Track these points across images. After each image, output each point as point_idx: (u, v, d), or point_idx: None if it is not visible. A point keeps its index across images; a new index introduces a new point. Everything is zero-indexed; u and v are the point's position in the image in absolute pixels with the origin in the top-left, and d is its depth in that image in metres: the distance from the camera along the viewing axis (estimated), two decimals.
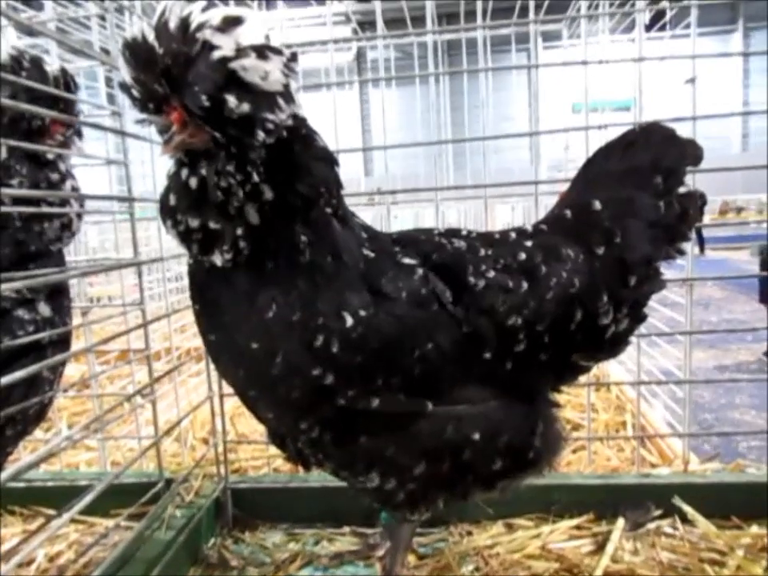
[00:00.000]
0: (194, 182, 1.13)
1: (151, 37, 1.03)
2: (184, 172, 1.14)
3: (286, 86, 1.09)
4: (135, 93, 1.07)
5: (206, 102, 1.01)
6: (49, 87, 1.49)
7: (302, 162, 1.17)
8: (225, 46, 1.01)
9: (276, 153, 1.12)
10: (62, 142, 1.62)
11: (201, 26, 1.02)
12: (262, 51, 1.04)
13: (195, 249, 1.17)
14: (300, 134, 1.17)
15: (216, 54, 1.01)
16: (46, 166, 1.58)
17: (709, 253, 15.95)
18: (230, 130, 1.06)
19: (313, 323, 1.16)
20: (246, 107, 1.04)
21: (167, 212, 1.17)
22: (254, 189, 1.12)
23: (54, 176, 1.58)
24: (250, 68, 1.02)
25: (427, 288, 1.25)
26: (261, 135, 1.08)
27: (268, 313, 1.16)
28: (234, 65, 1.02)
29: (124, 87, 1.08)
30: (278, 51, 1.07)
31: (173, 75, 1.02)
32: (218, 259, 1.17)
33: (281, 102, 1.08)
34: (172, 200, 1.16)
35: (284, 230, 1.18)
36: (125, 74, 1.06)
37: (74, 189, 1.63)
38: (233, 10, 1.05)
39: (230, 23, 1.03)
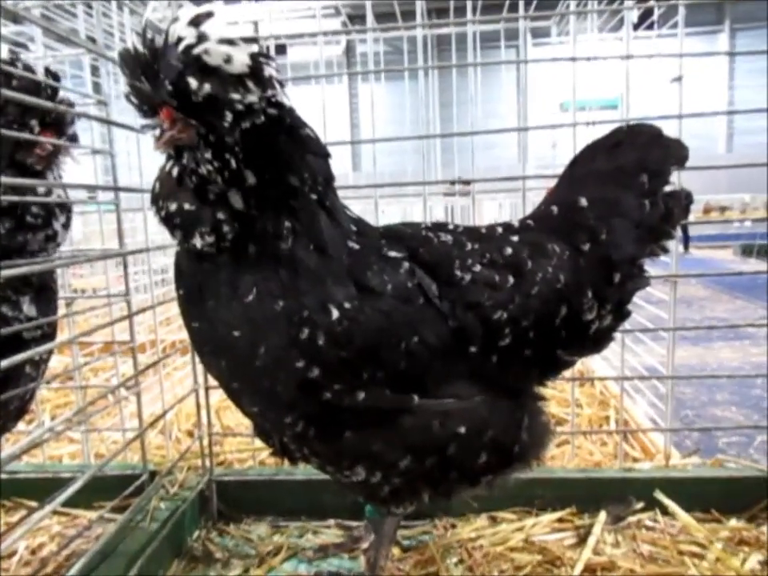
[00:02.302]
0: (175, 171, 1.19)
1: (138, 43, 1.09)
2: (169, 164, 1.21)
3: (254, 69, 1.10)
4: (134, 99, 1.14)
5: (170, 86, 1.07)
6: (41, 98, 1.45)
7: (286, 151, 1.18)
8: (189, 35, 1.06)
9: (257, 140, 1.14)
10: (51, 152, 1.58)
11: (176, 23, 1.08)
12: (228, 38, 1.08)
13: (178, 234, 1.21)
14: (285, 124, 1.18)
15: (181, 44, 1.06)
16: (34, 176, 1.54)
17: (692, 252, 16.11)
18: (200, 114, 1.10)
19: (297, 316, 1.16)
20: (207, 87, 1.07)
21: (153, 199, 1.24)
22: (234, 174, 1.15)
23: (41, 187, 1.55)
24: (212, 51, 1.06)
25: (413, 282, 1.26)
26: (229, 116, 1.11)
27: (248, 298, 1.17)
28: (196, 50, 1.06)
29: (127, 98, 1.15)
30: (250, 40, 1.12)
31: (151, 73, 1.08)
32: (197, 242, 1.19)
33: (249, 83, 1.10)
34: (156, 188, 1.23)
35: (269, 218, 1.19)
36: (124, 84, 1.13)
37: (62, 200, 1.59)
38: (207, 8, 1.09)
39: (202, 17, 1.08)
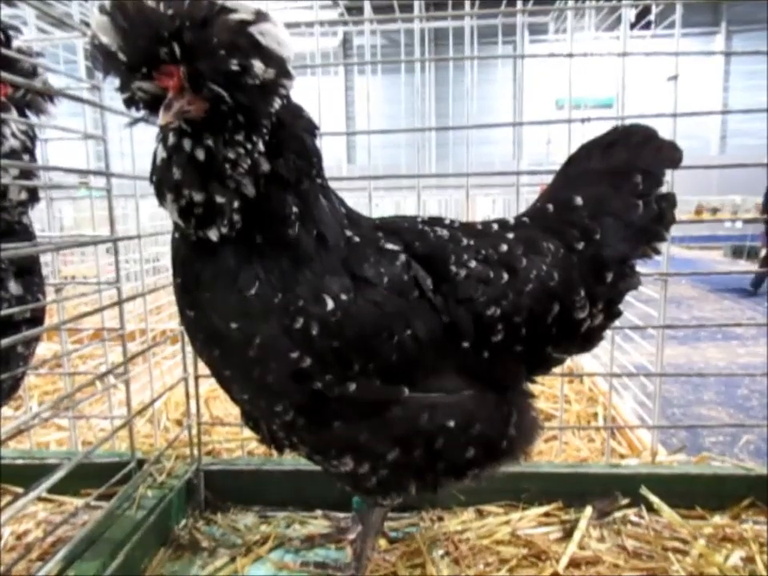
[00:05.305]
0: (201, 154, 1.09)
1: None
2: (187, 143, 1.10)
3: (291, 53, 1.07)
4: (123, 57, 0.99)
5: (236, 67, 0.98)
6: None
7: (294, 132, 1.17)
8: (241, 9, 0.99)
9: (277, 123, 1.12)
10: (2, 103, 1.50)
11: None
12: (271, 16, 1.02)
13: (192, 223, 1.15)
14: (291, 104, 1.17)
15: (235, 17, 0.98)
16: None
17: (682, 252, 16.21)
18: (243, 96, 1.02)
19: (293, 306, 1.16)
20: (271, 73, 1.02)
21: (170, 186, 1.13)
22: (255, 160, 1.11)
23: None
24: (267, 33, 1.00)
25: (409, 275, 1.26)
26: (277, 102, 1.08)
27: (249, 291, 1.16)
28: (252, 29, 0.99)
29: (105, 52, 1.00)
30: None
31: (185, 38, 0.97)
32: (213, 234, 1.15)
33: (289, 68, 1.06)
34: (176, 174, 1.11)
35: (275, 202, 1.17)
36: (110, 37, 0.98)
37: (13, 152, 1.51)
38: None
39: None
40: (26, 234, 1.59)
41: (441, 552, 1.76)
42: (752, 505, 1.92)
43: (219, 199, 1.12)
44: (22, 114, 1.56)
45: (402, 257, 1.27)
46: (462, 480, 1.42)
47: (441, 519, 1.93)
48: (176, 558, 1.78)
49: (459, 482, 1.43)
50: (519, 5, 2.18)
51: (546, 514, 1.93)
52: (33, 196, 1.58)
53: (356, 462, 1.32)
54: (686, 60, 2.10)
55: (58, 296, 2.14)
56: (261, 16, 1.00)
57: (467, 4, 2.29)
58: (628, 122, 1.58)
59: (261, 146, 1.11)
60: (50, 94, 1.57)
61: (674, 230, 1.51)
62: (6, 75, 1.31)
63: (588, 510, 1.89)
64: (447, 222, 1.44)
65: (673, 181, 1.76)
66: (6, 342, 1.25)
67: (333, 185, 1.32)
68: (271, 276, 1.17)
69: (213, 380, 1.40)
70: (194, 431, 2.05)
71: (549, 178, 1.58)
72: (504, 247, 1.36)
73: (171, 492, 1.88)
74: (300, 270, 1.18)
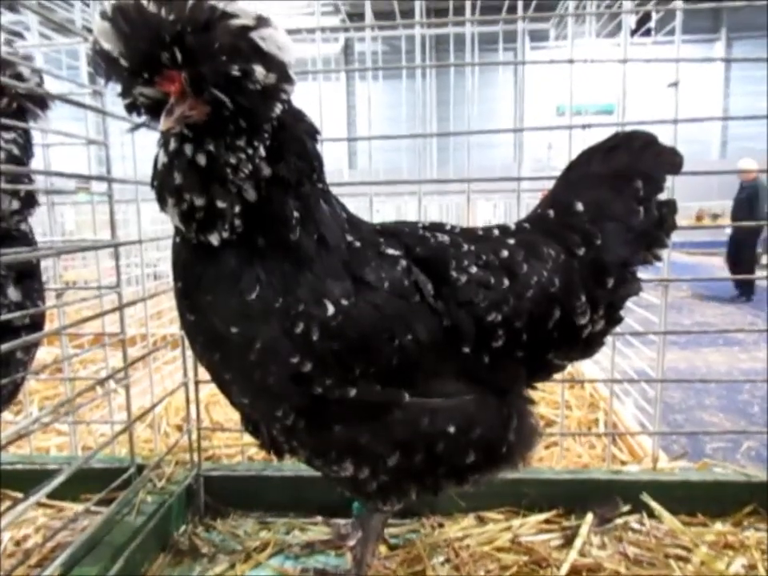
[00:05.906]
0: (202, 159, 1.10)
1: (150, 4, 0.97)
2: (188, 148, 1.10)
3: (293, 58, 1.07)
4: (125, 62, 0.99)
5: (237, 72, 0.99)
6: None
7: (295, 134, 1.18)
8: (242, 14, 0.99)
9: (278, 127, 1.13)
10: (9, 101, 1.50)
11: None
12: (272, 22, 1.02)
13: (194, 227, 1.15)
14: (292, 109, 1.17)
15: (236, 22, 0.99)
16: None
17: (683, 257, 16.20)
18: (245, 101, 1.03)
19: (294, 309, 1.16)
20: (272, 78, 1.02)
21: (171, 191, 1.13)
22: (256, 164, 1.12)
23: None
24: (269, 38, 1.01)
25: (410, 279, 1.26)
26: (278, 107, 1.08)
27: (251, 295, 1.16)
28: (253, 34, 1.00)
29: (107, 57, 1.00)
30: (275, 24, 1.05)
31: (187, 43, 0.97)
32: (215, 239, 1.16)
33: (290, 73, 1.07)
34: (177, 178, 1.12)
35: (277, 205, 1.17)
36: (112, 43, 0.98)
37: (13, 156, 1.50)
38: None
39: None
40: (25, 240, 1.59)
41: (441, 558, 1.75)
42: (754, 512, 1.92)
43: (220, 204, 1.12)
44: (18, 119, 1.55)
45: (403, 261, 1.27)
46: (463, 484, 1.42)
47: (441, 525, 1.92)
48: (176, 563, 1.77)
49: (460, 487, 1.43)
50: (520, 11, 2.19)
51: (547, 521, 1.92)
52: (28, 203, 1.58)
53: (356, 466, 1.32)
54: (686, 66, 2.10)
55: (58, 301, 2.14)
56: (262, 21, 1.01)
57: (468, 9, 2.30)
58: (629, 128, 1.58)
59: (262, 151, 1.12)
60: (43, 99, 1.57)
61: (675, 236, 1.51)
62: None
63: (589, 517, 1.88)
64: (448, 227, 1.44)
65: (673, 186, 1.77)
66: (5, 347, 1.25)
67: (334, 190, 1.32)
68: (272, 279, 1.17)
69: (213, 385, 1.40)
70: (194, 436, 2.05)
71: (550, 184, 1.58)
72: (505, 252, 1.36)
73: (171, 497, 1.88)
74: (301, 273, 1.18)
